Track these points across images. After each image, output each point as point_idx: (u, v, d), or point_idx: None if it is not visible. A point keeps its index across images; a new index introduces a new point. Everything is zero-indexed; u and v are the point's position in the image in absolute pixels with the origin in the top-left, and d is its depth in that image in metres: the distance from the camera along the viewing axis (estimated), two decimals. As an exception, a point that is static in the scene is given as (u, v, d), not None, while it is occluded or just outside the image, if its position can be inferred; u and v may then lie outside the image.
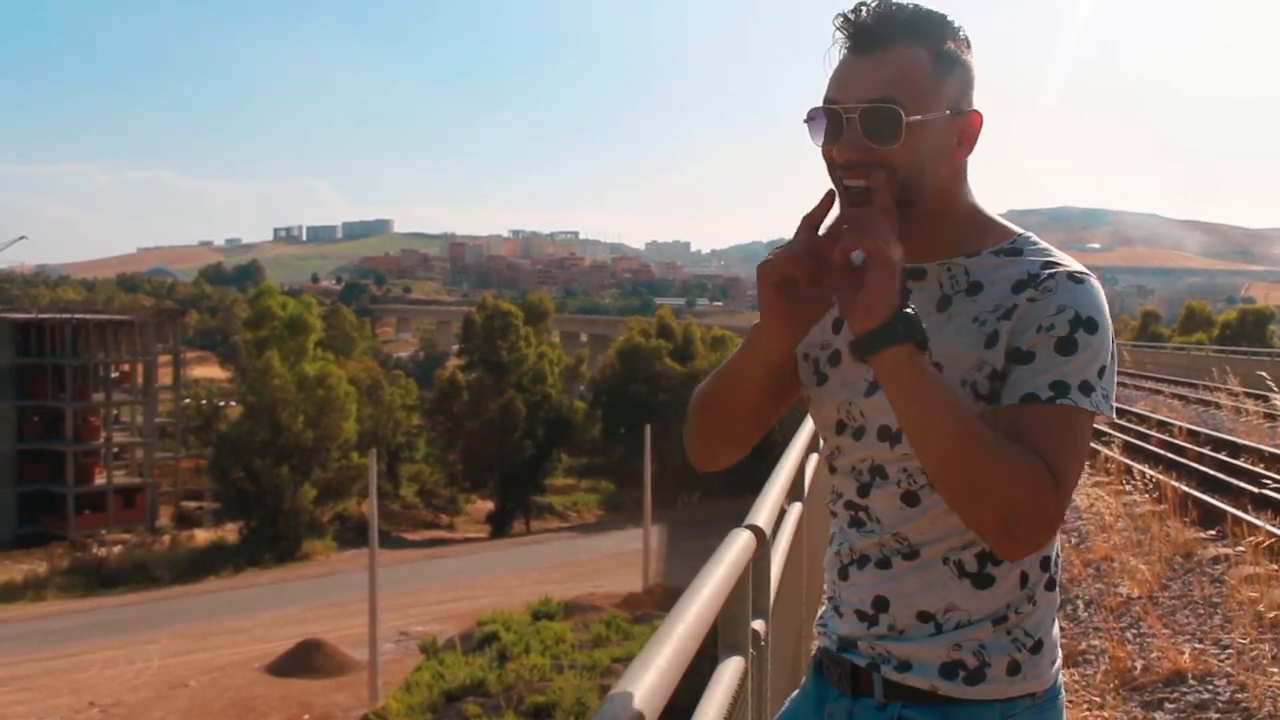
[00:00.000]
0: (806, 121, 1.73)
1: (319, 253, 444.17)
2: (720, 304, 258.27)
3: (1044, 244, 1.77)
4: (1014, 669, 1.76)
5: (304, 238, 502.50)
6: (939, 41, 1.69)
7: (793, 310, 1.70)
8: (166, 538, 59.34)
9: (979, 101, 1.76)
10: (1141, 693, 6.30)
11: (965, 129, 1.73)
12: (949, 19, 1.72)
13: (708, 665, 2.36)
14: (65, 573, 52.05)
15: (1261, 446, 14.21)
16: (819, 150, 1.74)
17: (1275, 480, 11.21)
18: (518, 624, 34.19)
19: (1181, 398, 25.14)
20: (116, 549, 55.83)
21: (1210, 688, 6.13)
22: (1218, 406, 21.64)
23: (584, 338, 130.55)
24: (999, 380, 1.68)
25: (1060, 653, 1.84)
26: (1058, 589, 1.83)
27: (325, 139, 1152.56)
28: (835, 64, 1.72)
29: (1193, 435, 16.19)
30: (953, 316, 1.74)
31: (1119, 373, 30.03)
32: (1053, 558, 1.81)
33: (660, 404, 70.34)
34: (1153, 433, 17.39)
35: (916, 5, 1.69)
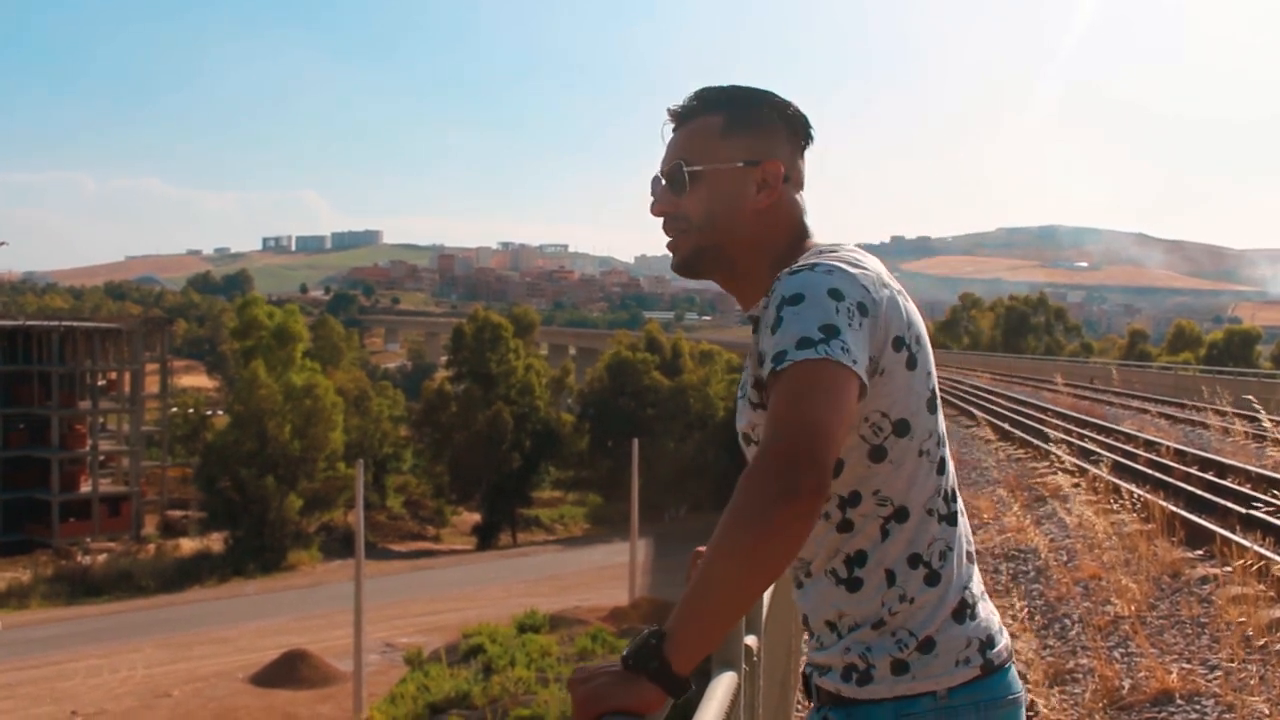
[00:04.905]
0: (650, 195, 1.99)
1: (308, 263, 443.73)
2: (709, 318, 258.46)
3: (827, 253, 1.84)
4: (900, 668, 1.80)
5: (293, 248, 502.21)
6: (738, 109, 1.94)
7: None
8: (152, 547, 59.01)
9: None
10: (1129, 712, 6.30)
11: (765, 176, 1.92)
12: (762, 92, 1.96)
13: (701, 680, 2.36)
14: (49, 581, 51.76)
15: (1249, 467, 14.22)
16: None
17: (1266, 502, 11.22)
18: (503, 636, 34.12)
19: (1169, 417, 25.15)
20: (101, 557, 55.52)
21: (1198, 708, 6.14)
22: (1205, 426, 21.67)
23: (572, 350, 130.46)
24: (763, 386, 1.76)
25: (980, 654, 1.83)
26: (949, 584, 1.84)
27: (315, 150, 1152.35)
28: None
29: (1180, 455, 16.20)
30: (751, 352, 1.87)
31: (1109, 390, 29.69)
32: (925, 554, 1.83)
33: (648, 418, 70.40)
34: (1140, 452, 17.40)
35: (732, 85, 1.97)
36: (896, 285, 1.82)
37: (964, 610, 1.83)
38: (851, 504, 1.82)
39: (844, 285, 1.72)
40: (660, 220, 1.99)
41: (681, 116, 1.98)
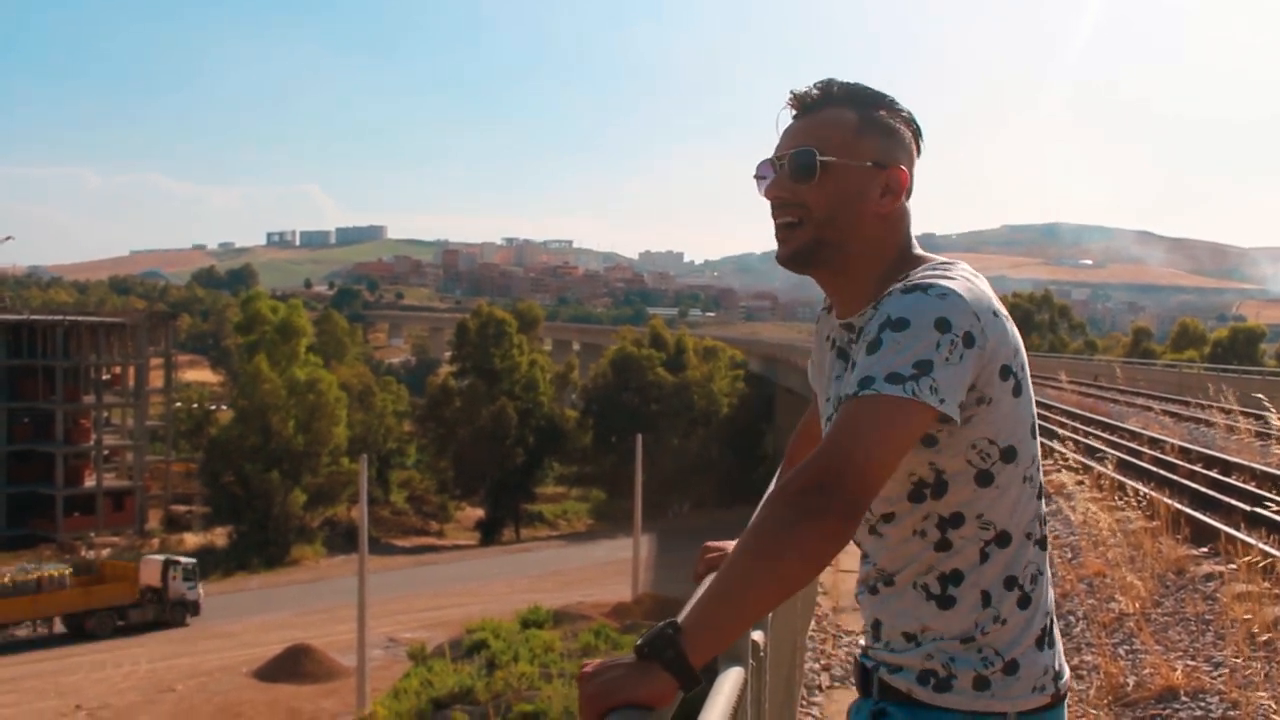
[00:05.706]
0: (756, 177, 1.98)
1: (312, 258, 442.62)
2: (713, 314, 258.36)
3: (942, 271, 1.83)
4: (981, 684, 1.84)
5: (297, 243, 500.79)
6: (870, 109, 1.93)
7: None
8: (155, 541, 59.12)
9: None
10: (1134, 709, 6.30)
11: (889, 182, 1.91)
12: (888, 96, 1.96)
13: (706, 676, 2.35)
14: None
15: (1254, 464, 14.19)
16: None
17: (1271, 500, 11.20)
18: (506, 632, 34.15)
19: (1173, 415, 25.12)
20: (105, 552, 55.59)
21: (1203, 705, 6.13)
22: (1210, 424, 21.65)
23: (576, 346, 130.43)
24: None
25: (1054, 684, 1.88)
26: (1038, 608, 1.88)
27: (319, 145, 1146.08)
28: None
29: (1185, 452, 16.17)
30: (850, 363, 1.91)
31: (1113, 388, 29.58)
32: (1021, 577, 1.86)
33: (652, 413, 70.41)
34: (1145, 449, 17.38)
35: (857, 82, 1.96)
36: (1004, 310, 1.82)
37: (1044, 637, 1.88)
38: (953, 525, 1.85)
39: (954, 314, 1.72)
40: (770, 203, 1.96)
41: (808, 104, 1.95)
